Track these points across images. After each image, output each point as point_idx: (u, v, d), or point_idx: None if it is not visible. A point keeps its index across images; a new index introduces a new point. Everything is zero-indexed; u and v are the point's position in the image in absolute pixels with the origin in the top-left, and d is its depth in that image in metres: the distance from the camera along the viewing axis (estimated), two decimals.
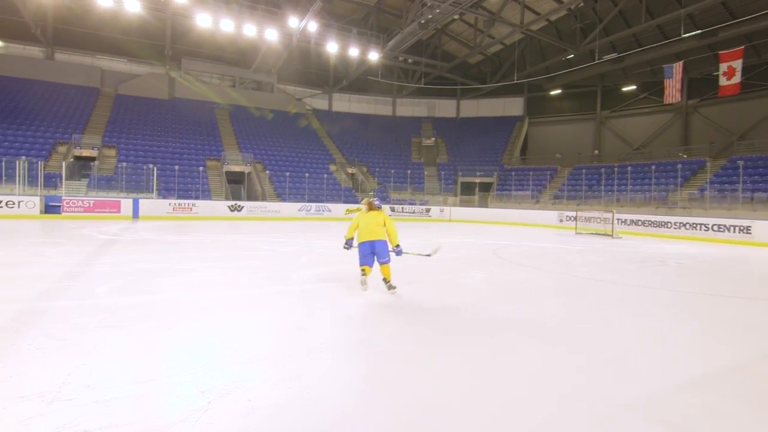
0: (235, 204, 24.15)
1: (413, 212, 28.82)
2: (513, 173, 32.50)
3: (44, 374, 3.08)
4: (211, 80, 36.55)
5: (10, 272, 6.85)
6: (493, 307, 5.58)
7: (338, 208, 26.73)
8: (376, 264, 6.23)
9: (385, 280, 6.30)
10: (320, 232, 16.64)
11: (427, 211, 29.21)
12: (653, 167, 25.59)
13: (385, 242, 6.25)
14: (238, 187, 28.77)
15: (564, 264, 9.89)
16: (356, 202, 28.50)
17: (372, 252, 6.16)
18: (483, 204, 31.31)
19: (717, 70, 25.17)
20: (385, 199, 30.09)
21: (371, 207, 6.42)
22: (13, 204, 19.26)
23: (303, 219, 25.15)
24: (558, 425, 2.67)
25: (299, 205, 25.85)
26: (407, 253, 6.88)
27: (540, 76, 32.49)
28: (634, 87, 33.72)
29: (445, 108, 42.36)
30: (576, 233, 19.83)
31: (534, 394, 3.08)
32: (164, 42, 33.53)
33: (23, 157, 21.47)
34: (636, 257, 11.65)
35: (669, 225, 19.56)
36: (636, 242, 16.34)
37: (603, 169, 28.23)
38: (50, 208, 20.26)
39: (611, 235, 17.96)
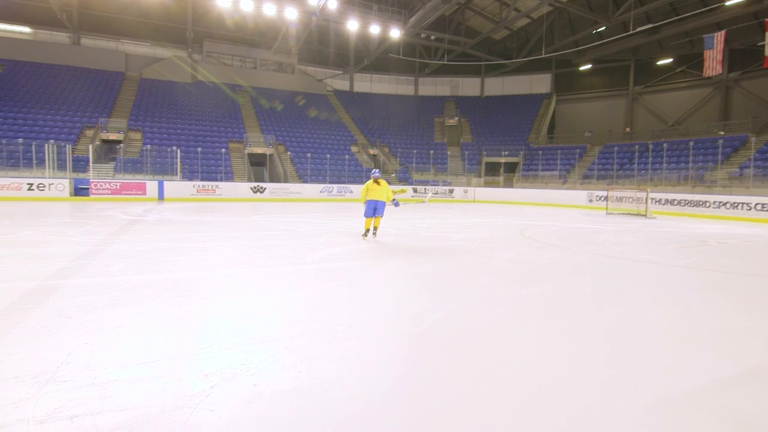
0: (258, 186, 24.18)
1: (436, 193, 28.30)
2: (540, 152, 31.44)
3: (44, 354, 2.92)
4: (233, 62, 36.47)
5: (31, 251, 6.86)
6: (521, 288, 5.22)
7: (360, 189, 26.43)
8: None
9: (375, 229, 9.34)
10: (341, 213, 16.44)
11: (451, 191, 28.63)
12: (691, 144, 24.24)
13: (384, 203, 9.14)
14: (260, 168, 28.81)
15: (596, 244, 9.37)
16: None
17: (374, 207, 9.04)
18: (508, 184, 30.50)
19: (762, 39, 23.40)
20: (407, 180, 29.65)
21: (376, 180, 9.22)
22: (44, 187, 19.74)
23: (325, 200, 25.03)
24: (600, 419, 2.33)
25: (321, 186, 25.70)
26: (405, 203, 9.04)
27: (569, 50, 31.03)
28: (670, 60, 31.87)
29: (469, 86, 41.21)
30: (607, 213, 19.02)
31: (570, 382, 2.74)
32: (186, 25, 33.50)
33: (52, 141, 21.93)
34: (675, 237, 10.99)
35: (707, 204, 18.52)
36: (672, 222, 15.51)
37: (636, 147, 26.99)
38: (79, 190, 20.68)
39: (645, 215, 17.13)
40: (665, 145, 25.60)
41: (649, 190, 18.19)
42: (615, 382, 2.80)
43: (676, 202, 19.66)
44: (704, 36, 24.97)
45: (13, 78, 27.90)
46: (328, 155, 28.40)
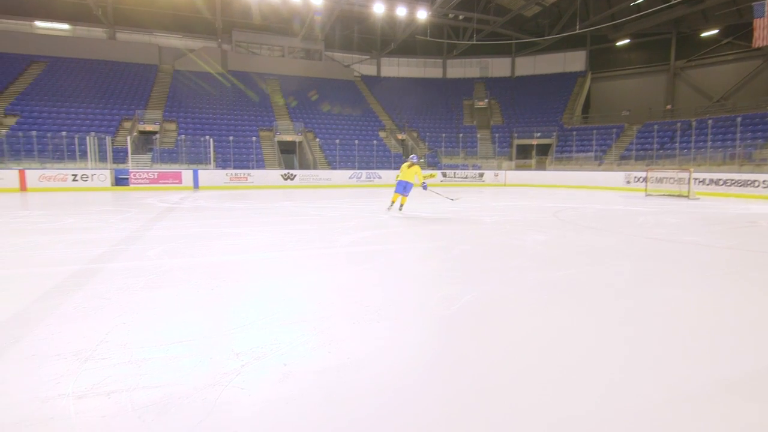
0: (288, 173, 24.47)
1: (465, 177, 27.86)
2: (574, 133, 30.33)
3: (84, 333, 3.03)
4: (261, 51, 36.75)
5: (75, 237, 7.17)
6: (554, 270, 5.05)
7: (388, 175, 26.35)
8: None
9: (401, 206, 10.94)
10: (370, 198, 16.43)
11: (481, 175, 28.12)
12: (738, 120, 22.79)
13: (411, 184, 10.76)
14: (290, 156, 29.12)
15: (635, 226, 8.98)
16: None
17: (404, 186, 10.69)
18: (540, 167, 29.68)
19: None
20: (436, 165, 29.30)
21: (411, 164, 10.78)
22: (87, 177, 20.63)
23: (354, 186, 25.09)
24: (630, 402, 2.21)
25: (350, 172, 25.76)
26: (433, 191, 12.38)
27: (605, 24, 29.55)
28: (715, 31, 29.89)
29: (499, 67, 40.06)
30: (646, 195, 18.23)
31: (603, 365, 2.62)
32: (215, 16, 33.91)
33: (93, 134, 22.82)
34: (720, 218, 10.40)
35: (756, 184, 17.44)
36: (717, 203, 14.70)
37: (678, 125, 25.63)
38: (119, 180, 21.50)
39: (687, 196, 16.31)
40: (710, 122, 24.16)
41: (692, 169, 17.29)
42: (648, 366, 2.65)
43: (721, 182, 18.60)
44: (754, 3, 23.18)
45: (55, 73, 29.11)
46: (357, 141, 28.36)
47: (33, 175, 19.72)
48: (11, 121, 23.85)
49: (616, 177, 23.31)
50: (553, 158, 29.57)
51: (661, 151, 24.95)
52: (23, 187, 19.42)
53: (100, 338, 2.92)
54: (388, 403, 2.19)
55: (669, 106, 31.93)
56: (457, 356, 2.79)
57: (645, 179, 19.46)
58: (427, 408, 2.15)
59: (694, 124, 25.06)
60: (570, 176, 25.51)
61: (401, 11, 28.32)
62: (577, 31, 28.74)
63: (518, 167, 30.29)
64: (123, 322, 3.24)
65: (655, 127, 26.42)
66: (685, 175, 17.31)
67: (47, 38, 31.31)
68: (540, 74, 38.53)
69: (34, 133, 22.05)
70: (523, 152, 31.52)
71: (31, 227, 8.36)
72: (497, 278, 4.72)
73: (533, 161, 30.49)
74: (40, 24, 31.91)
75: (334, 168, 26.53)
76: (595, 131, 29.24)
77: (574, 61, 37.55)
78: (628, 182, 22.38)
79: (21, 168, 19.94)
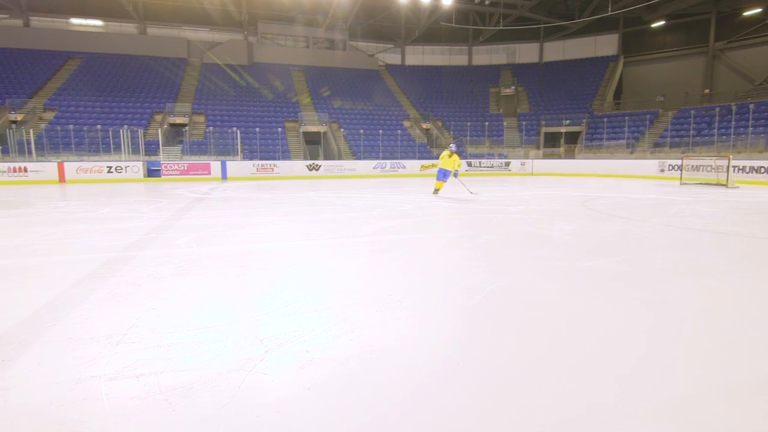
0: (313, 163, 24.66)
1: (491, 166, 27.42)
2: (605, 120, 29.33)
3: (116, 318, 3.13)
4: (286, 42, 36.97)
5: (109, 226, 7.43)
6: (583, 261, 4.91)
7: (413, 165, 26.22)
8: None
9: (437, 190, 12.73)
10: (394, 188, 16.38)
11: (507, 164, 27.62)
12: None
13: (449, 171, 12.55)
14: (315, 146, 29.31)
15: (669, 215, 8.64)
16: (431, 157, 27.71)
17: (444, 173, 12.55)
18: (569, 155, 28.91)
19: None
20: (461, 154, 28.86)
21: (452, 153, 12.46)
22: (121, 169, 21.35)
23: (378, 176, 25.08)
24: (673, 405, 2.12)
25: (374, 162, 25.74)
26: (460, 180, 13.53)
27: (639, 5, 28.27)
28: (758, 10, 28.19)
29: (527, 53, 39.04)
30: (681, 183, 17.51)
31: (628, 359, 2.53)
32: (241, 8, 34.22)
33: (126, 127, 23.55)
34: (761, 207, 9.89)
35: None
36: (758, 192, 14.00)
37: (717, 110, 24.42)
38: (151, 171, 22.15)
39: (726, 185, 15.57)
40: (751, 106, 22.91)
41: (731, 157, 16.46)
42: (679, 362, 2.55)
43: (763, 170, 17.67)
44: None
45: (90, 69, 30.10)
46: (381, 131, 28.28)
47: (71, 167, 20.54)
48: (50, 115, 24.85)
49: (649, 165, 22.48)
50: (583, 146, 28.73)
51: (697, 138, 23.88)
52: (62, 178, 20.27)
53: (131, 323, 3.01)
54: (410, 393, 2.17)
55: (707, 91, 30.46)
56: (481, 347, 2.75)
57: (680, 167, 18.68)
58: (450, 398, 2.12)
59: (734, 108, 23.83)
60: (600, 165, 24.75)
61: None
62: (609, 14, 27.63)
63: (546, 156, 29.59)
64: (153, 307, 3.34)
65: (692, 112, 25.26)
66: (723, 162, 16.50)
67: (82, 35, 32.38)
68: (569, 59, 37.36)
69: (71, 126, 22.92)
70: (551, 140, 30.73)
71: (69, 217, 8.71)
72: (523, 268, 4.63)
73: (562, 149, 29.72)
74: (75, 21, 33.00)
75: (359, 158, 26.56)
76: (627, 118, 28.20)
77: (606, 44, 36.21)
78: (662, 170, 21.55)
79: (60, 160, 20.79)
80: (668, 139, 25.04)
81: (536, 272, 4.46)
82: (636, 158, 24.73)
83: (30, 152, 21.49)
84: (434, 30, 36.64)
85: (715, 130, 23.35)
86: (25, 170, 19.96)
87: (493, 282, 4.06)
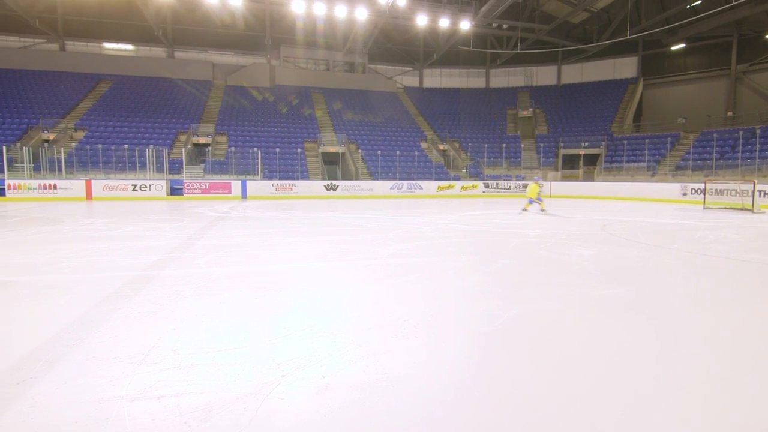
0: (331, 183, 24.95)
1: (509, 188, 27.30)
2: (625, 142, 29.04)
3: (139, 337, 3.22)
4: (307, 65, 37.96)
5: (133, 244, 7.64)
6: (601, 288, 4.84)
7: (430, 186, 26.30)
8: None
9: (524, 209, 14.83)
10: (410, 209, 16.44)
11: (524, 186, 27.39)
12: None
13: (530, 199, 14.73)
14: (333, 167, 29.70)
15: (691, 241, 8.46)
16: (448, 178, 27.79)
17: (529, 201, 14.79)
18: (588, 178, 28.60)
19: None
20: (478, 176, 28.91)
21: (536, 183, 14.76)
22: (145, 187, 21.97)
23: (395, 197, 25.20)
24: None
25: (391, 183, 25.91)
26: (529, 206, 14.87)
27: (659, 28, 28.25)
28: None
29: (545, 75, 39.19)
30: (704, 208, 17.12)
31: (648, 392, 2.48)
32: (264, 33, 35.39)
33: (151, 146, 24.31)
34: None
35: None
36: None
37: (740, 133, 23.97)
38: (174, 190, 22.73)
39: (751, 210, 15.17)
40: None
41: (756, 180, 16.08)
42: (698, 398, 2.49)
43: None
44: None
45: (120, 91, 31.35)
46: (398, 152, 28.54)
47: (98, 184, 21.23)
48: (80, 135, 25.86)
49: (670, 188, 22.07)
50: (602, 168, 28.42)
51: (721, 161, 23.41)
52: (89, 195, 20.94)
53: (153, 343, 3.09)
54: (425, 423, 2.17)
55: (730, 113, 29.98)
56: (496, 375, 2.73)
57: (703, 191, 18.30)
58: (463, 428, 2.12)
59: (758, 131, 23.37)
60: (620, 187, 24.41)
61: (444, 23, 28.40)
62: (628, 37, 27.65)
63: (564, 178, 29.34)
64: (173, 328, 3.42)
65: (715, 135, 24.86)
66: (748, 186, 16.12)
67: (114, 58, 33.87)
68: (588, 81, 37.35)
69: (100, 146, 23.79)
70: (570, 163, 30.51)
71: (95, 234, 8.99)
72: (540, 295, 4.59)
73: (580, 172, 29.45)
74: (108, 45, 34.58)
75: (376, 178, 26.79)
76: (647, 140, 27.88)
77: (625, 67, 36.13)
78: (685, 194, 21.12)
79: (88, 178, 21.52)
80: (690, 162, 24.61)
81: (553, 299, 4.42)
82: (657, 181, 24.34)
83: (60, 170, 22.32)
84: (452, 53, 37.17)
85: (739, 154, 22.88)
86: (55, 187, 20.71)
87: (509, 309, 4.04)
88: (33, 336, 3.26)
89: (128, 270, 5.54)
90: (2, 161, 21.06)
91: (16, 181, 20.41)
